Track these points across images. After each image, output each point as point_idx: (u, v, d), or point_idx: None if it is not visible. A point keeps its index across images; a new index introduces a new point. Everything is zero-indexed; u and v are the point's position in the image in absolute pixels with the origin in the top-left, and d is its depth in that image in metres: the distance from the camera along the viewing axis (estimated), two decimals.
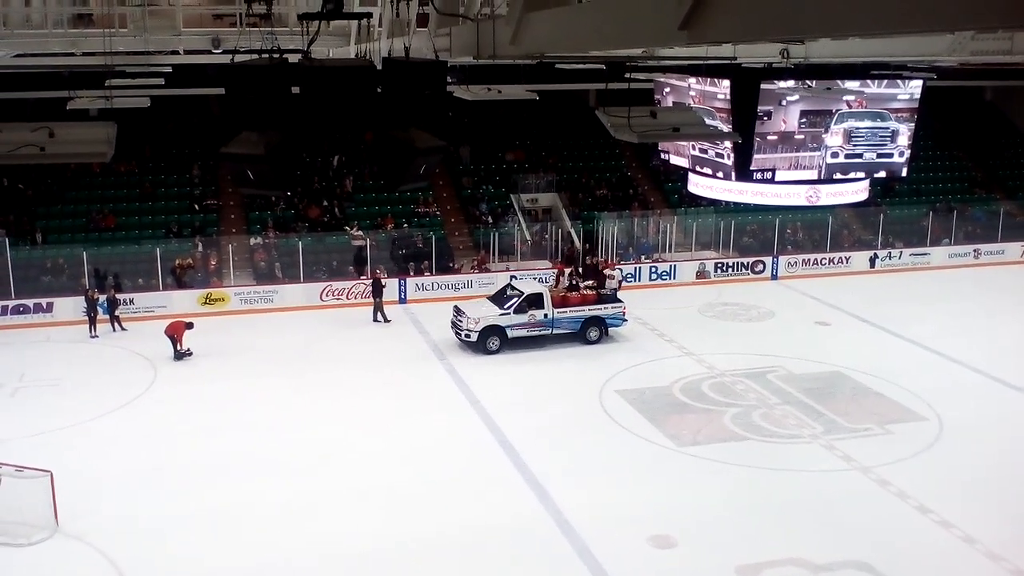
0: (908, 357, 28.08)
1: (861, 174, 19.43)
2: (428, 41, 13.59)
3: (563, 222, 39.33)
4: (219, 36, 18.14)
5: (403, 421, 23.10)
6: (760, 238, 39.54)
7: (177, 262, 33.44)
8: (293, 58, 11.76)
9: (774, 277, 37.96)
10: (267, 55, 11.43)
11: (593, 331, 28.94)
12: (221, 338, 29.09)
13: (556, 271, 32.73)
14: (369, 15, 15.23)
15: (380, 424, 22.92)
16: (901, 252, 39.82)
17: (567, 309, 28.74)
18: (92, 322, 29.84)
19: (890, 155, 19.12)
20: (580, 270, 33.50)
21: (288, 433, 22.27)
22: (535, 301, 28.23)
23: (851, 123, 18.54)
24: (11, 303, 31.04)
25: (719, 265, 37.86)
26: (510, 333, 27.99)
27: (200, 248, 34.86)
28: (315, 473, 20.15)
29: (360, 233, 35.66)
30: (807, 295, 35.51)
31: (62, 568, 16.44)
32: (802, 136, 18.43)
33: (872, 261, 39.34)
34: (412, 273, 34.46)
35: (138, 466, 20.43)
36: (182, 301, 31.70)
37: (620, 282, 32.21)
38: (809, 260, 38.78)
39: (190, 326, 27.66)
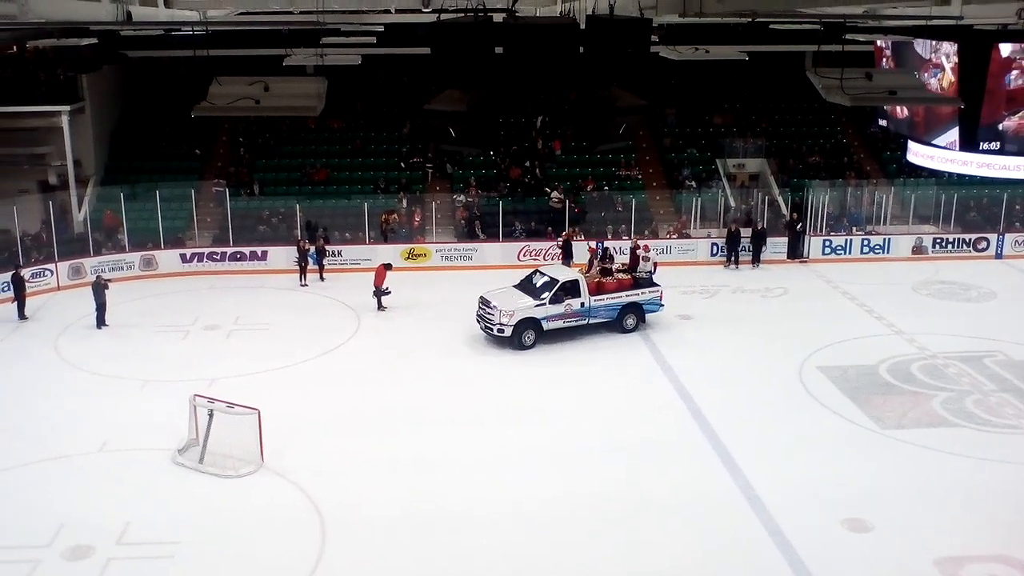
0: None
1: None
2: None
3: (771, 189, 38.02)
4: None
5: (595, 384, 23.08)
6: (985, 213, 37.02)
7: (384, 216, 34.59)
8: (500, 18, 11.75)
9: (998, 256, 35.49)
10: (472, 13, 11.48)
11: (630, 319, 26.40)
12: (423, 292, 29.88)
13: (589, 253, 30.20)
14: None
15: (571, 385, 22.96)
16: None
17: (603, 296, 26.00)
18: (302, 271, 31.32)
19: None
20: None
21: (480, 387, 22.71)
22: (571, 289, 25.55)
23: None
24: (229, 250, 33.00)
25: (938, 240, 35.74)
26: (545, 325, 25.29)
27: (405, 204, 35.85)
28: (505, 428, 20.42)
29: (559, 195, 35.69)
30: None
31: (266, 501, 17.36)
32: None
33: None
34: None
35: (337, 410, 21.33)
36: (387, 255, 32.66)
37: (656, 264, 28.73)
38: None
39: (388, 267, 28.89)
